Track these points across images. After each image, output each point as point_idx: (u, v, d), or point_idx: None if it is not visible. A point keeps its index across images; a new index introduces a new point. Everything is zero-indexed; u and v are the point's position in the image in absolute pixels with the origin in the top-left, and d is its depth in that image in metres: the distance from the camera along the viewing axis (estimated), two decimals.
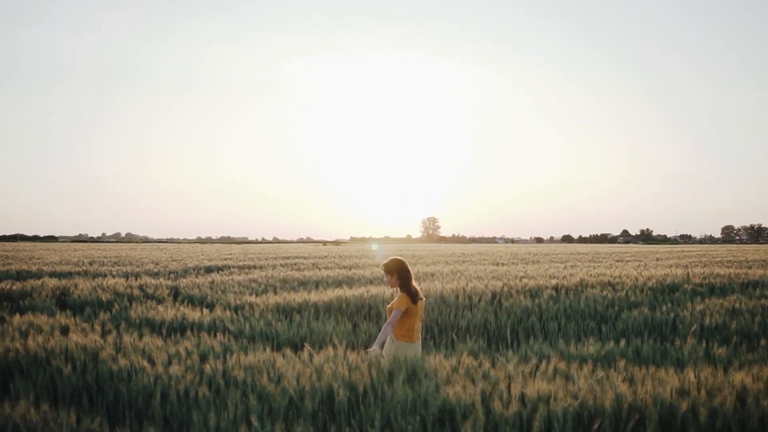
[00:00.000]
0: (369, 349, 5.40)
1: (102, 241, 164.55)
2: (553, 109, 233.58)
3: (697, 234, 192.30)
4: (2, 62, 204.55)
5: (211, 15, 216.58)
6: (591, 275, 13.40)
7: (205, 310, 8.83)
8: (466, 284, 10.92)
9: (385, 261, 5.66)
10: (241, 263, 20.63)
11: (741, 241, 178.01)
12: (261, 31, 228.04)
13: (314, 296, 9.84)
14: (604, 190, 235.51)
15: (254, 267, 19.03)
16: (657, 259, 26.40)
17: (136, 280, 13.74)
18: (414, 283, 5.58)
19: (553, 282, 11.68)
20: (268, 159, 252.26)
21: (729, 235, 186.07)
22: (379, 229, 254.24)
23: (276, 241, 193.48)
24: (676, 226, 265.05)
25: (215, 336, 6.65)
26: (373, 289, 10.34)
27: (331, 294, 9.91)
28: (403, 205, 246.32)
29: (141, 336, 6.59)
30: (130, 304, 9.70)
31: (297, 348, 7.24)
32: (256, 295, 10.72)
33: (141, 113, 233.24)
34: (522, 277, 13.00)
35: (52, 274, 15.87)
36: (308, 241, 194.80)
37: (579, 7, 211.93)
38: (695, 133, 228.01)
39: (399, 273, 5.51)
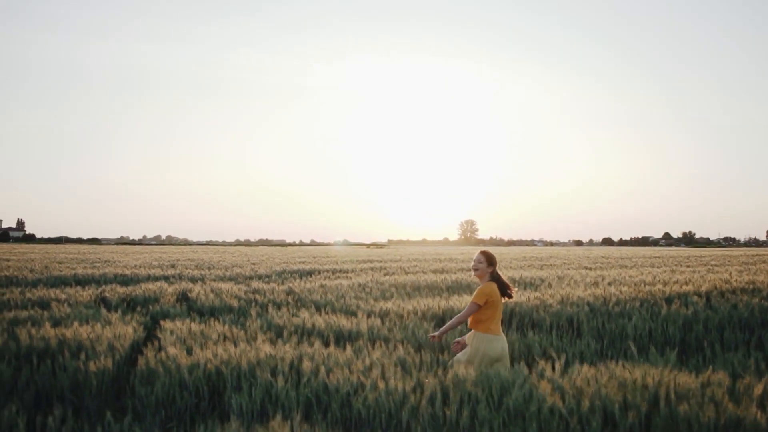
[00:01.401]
0: (432, 334, 5.67)
1: (144, 243, 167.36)
2: (590, 112, 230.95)
3: (741, 237, 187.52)
4: (42, 69, 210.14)
5: (238, 19, 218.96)
6: (709, 281, 12.73)
7: (351, 318, 8.51)
8: (604, 290, 10.41)
9: (484, 250, 5.60)
10: (326, 267, 20.38)
11: None
12: (291, 35, 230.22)
13: (453, 302, 9.45)
14: (643, 192, 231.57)
15: (344, 271, 18.75)
16: (743, 264, 25.35)
17: (242, 284, 13.56)
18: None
19: (687, 288, 11.08)
20: (301, 162, 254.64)
21: None
22: (415, 231, 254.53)
23: (314, 243, 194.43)
24: (719, 229, 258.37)
25: (395, 347, 6.29)
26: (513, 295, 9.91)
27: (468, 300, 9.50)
28: (439, 208, 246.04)
29: (325, 346, 6.30)
30: (263, 310, 9.43)
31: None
32: (383, 301, 10.38)
33: (177, 118, 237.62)
34: (646, 283, 12.41)
35: (150, 278, 15.84)
36: (346, 243, 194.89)
37: (609, 19, 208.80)
38: (740, 133, 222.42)
39: (495, 266, 5.52)
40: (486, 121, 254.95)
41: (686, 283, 12.14)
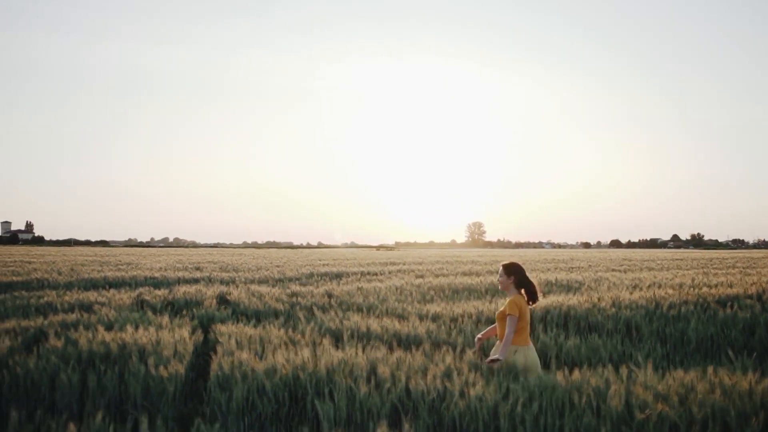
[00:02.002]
0: (492, 358, 5.30)
1: (153, 246, 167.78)
2: (596, 113, 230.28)
3: (749, 239, 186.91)
4: (48, 71, 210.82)
5: (242, 21, 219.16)
6: (753, 283, 12.50)
7: (403, 321, 8.36)
8: (654, 293, 10.22)
9: (505, 263, 5.59)
10: (352, 270, 20.24)
11: None
12: (296, 38, 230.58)
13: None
14: (650, 193, 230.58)
15: (372, 273, 18.62)
16: None
17: (275, 286, 13.44)
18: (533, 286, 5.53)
19: (734, 291, 10.87)
20: (306, 164, 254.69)
21: None
22: (422, 233, 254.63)
23: (321, 246, 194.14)
24: (727, 231, 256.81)
25: (463, 351, 6.13)
26: (563, 298, 9.76)
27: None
28: (446, 211, 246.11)
29: (389, 350, 6.14)
30: (310, 314, 9.29)
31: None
32: (427, 304, 10.22)
33: (184, 120, 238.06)
34: (688, 286, 12.21)
35: (181, 281, 15.77)
36: (353, 245, 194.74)
37: (613, 19, 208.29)
38: (747, 135, 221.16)
39: (517, 275, 5.44)
40: (492, 122, 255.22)
41: (730, 286, 11.93)
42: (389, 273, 18.78)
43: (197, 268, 21.67)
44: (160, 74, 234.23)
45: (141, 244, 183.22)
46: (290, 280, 16.33)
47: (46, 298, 10.88)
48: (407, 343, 7.19)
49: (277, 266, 23.01)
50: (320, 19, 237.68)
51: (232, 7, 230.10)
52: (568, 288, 13.19)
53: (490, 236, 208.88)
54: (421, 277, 17.00)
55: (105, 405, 5.12)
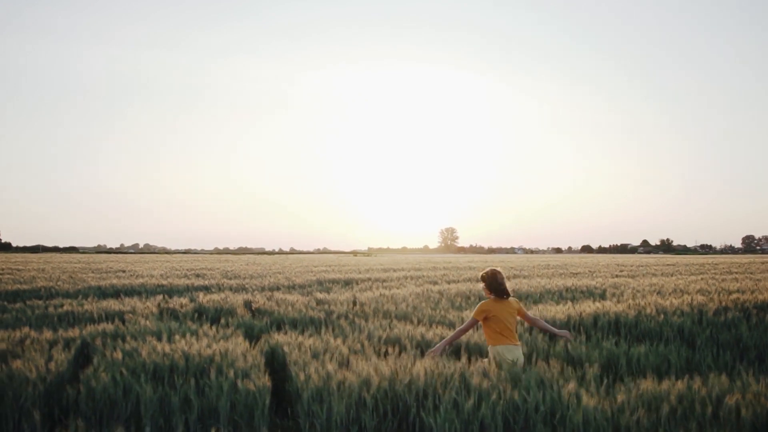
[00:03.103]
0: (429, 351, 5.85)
1: (123, 252, 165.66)
2: (569, 120, 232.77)
3: (717, 244, 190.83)
4: (23, 76, 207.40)
5: (222, 28, 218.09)
6: None
7: (452, 329, 8.23)
8: (691, 299, 10.19)
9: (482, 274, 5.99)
10: (359, 276, 20.07)
11: (763, 251, 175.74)
12: (276, 44, 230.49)
13: (538, 309, 9.20)
14: (621, 200, 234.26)
15: (381, 280, 18.46)
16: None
17: (290, 294, 13.21)
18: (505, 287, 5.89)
19: (766, 297, 10.90)
20: (281, 170, 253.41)
21: (750, 245, 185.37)
22: (395, 239, 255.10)
23: (293, 251, 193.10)
24: (695, 236, 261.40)
25: (534, 360, 6.01)
26: (601, 305, 9.69)
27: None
28: (419, 216, 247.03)
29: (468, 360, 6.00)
30: (351, 322, 9.10)
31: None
32: (461, 311, 10.10)
33: (156, 125, 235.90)
34: (710, 292, 12.24)
35: (191, 288, 15.47)
36: (326, 251, 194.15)
37: (597, 24, 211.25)
38: (713, 142, 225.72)
39: (486, 282, 5.88)
40: (465, 130, 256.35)
41: (758, 291, 11.96)
42: (398, 279, 18.63)
43: (197, 275, 21.33)
44: (134, 80, 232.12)
45: (112, 251, 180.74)
46: (301, 287, 16.09)
47: (65, 307, 10.56)
48: (470, 352, 7.05)
49: (278, 272, 22.73)
50: (299, 27, 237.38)
51: (213, 14, 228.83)
52: (591, 294, 13.15)
53: (464, 242, 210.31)
54: (435, 283, 16.87)
55: (193, 420, 4.90)
